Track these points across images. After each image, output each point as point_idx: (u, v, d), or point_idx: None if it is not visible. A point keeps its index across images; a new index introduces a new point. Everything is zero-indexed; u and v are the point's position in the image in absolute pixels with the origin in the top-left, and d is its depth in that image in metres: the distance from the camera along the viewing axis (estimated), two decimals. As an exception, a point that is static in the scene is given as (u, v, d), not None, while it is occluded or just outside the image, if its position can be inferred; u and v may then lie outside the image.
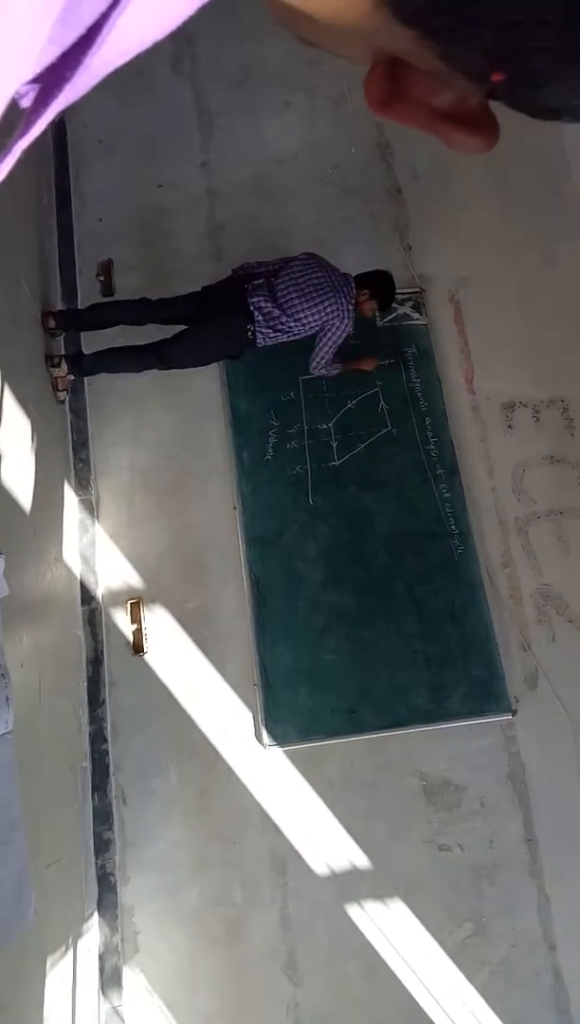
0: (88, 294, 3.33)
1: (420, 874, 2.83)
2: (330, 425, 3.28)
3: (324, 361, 2.97)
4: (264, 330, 2.88)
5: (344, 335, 2.93)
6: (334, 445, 3.27)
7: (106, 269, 3.37)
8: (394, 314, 3.43)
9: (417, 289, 3.48)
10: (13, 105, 0.25)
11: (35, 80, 0.25)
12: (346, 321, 2.89)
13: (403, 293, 3.45)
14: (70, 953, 2.35)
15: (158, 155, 3.55)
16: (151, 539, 3.10)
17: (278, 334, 2.90)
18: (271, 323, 2.87)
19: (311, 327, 2.89)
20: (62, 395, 3.05)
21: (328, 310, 2.85)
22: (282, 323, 2.87)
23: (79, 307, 3.23)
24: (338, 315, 2.86)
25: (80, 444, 3.14)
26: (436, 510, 3.20)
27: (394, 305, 3.41)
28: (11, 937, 0.96)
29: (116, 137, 3.55)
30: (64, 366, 2.95)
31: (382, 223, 3.58)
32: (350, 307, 2.89)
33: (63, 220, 3.39)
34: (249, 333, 2.88)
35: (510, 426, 3.35)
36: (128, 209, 3.46)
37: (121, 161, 3.52)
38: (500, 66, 0.26)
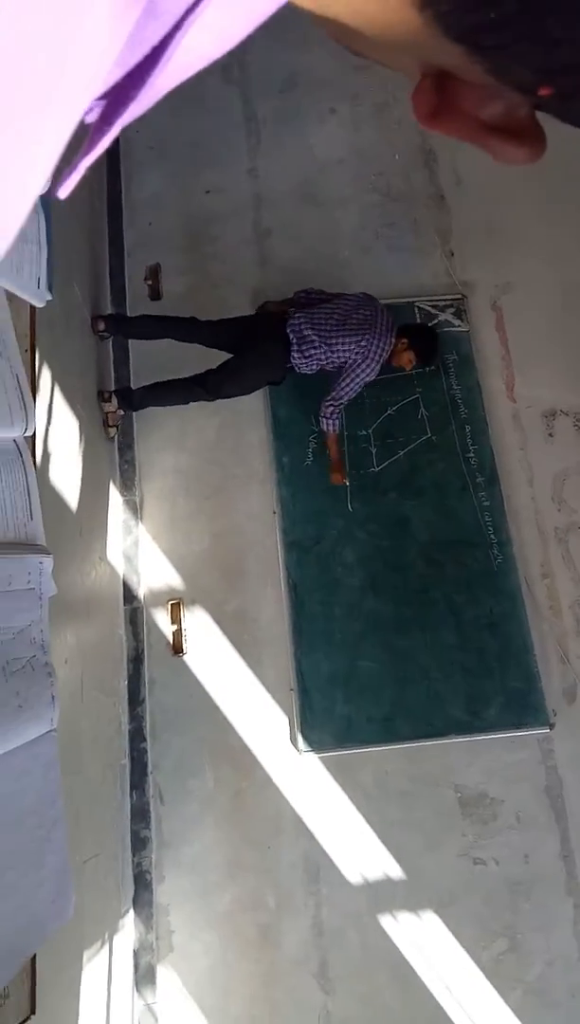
0: (136, 298, 3.38)
1: (454, 887, 2.80)
2: (370, 431, 3.28)
3: (342, 398, 2.92)
4: (295, 355, 2.89)
5: (367, 377, 2.91)
6: (373, 451, 3.27)
7: (154, 273, 3.42)
8: (435, 321, 3.42)
9: (459, 295, 3.47)
10: (79, 122, 0.26)
11: (101, 97, 0.25)
12: (374, 364, 2.88)
13: (444, 299, 3.45)
14: (106, 948, 2.37)
15: (207, 161, 3.60)
16: (192, 541, 3.13)
17: (309, 360, 2.90)
18: (303, 347, 2.88)
19: (341, 358, 2.88)
20: (112, 431, 3.10)
21: (361, 344, 2.84)
22: (315, 348, 2.87)
23: (128, 313, 3.28)
24: (368, 354, 2.85)
25: (126, 446, 3.19)
26: (475, 518, 3.17)
27: (435, 312, 3.42)
28: (48, 935, 0.98)
29: (166, 144, 3.60)
30: (114, 401, 3.00)
31: (425, 229, 3.58)
32: (383, 351, 2.88)
33: (114, 225, 3.46)
34: (287, 359, 2.91)
35: (551, 434, 3.31)
36: (176, 214, 3.51)
37: (171, 167, 3.58)
38: (548, 80, 0.26)
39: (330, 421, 2.95)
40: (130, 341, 3.27)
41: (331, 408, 2.93)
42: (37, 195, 0.25)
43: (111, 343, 3.26)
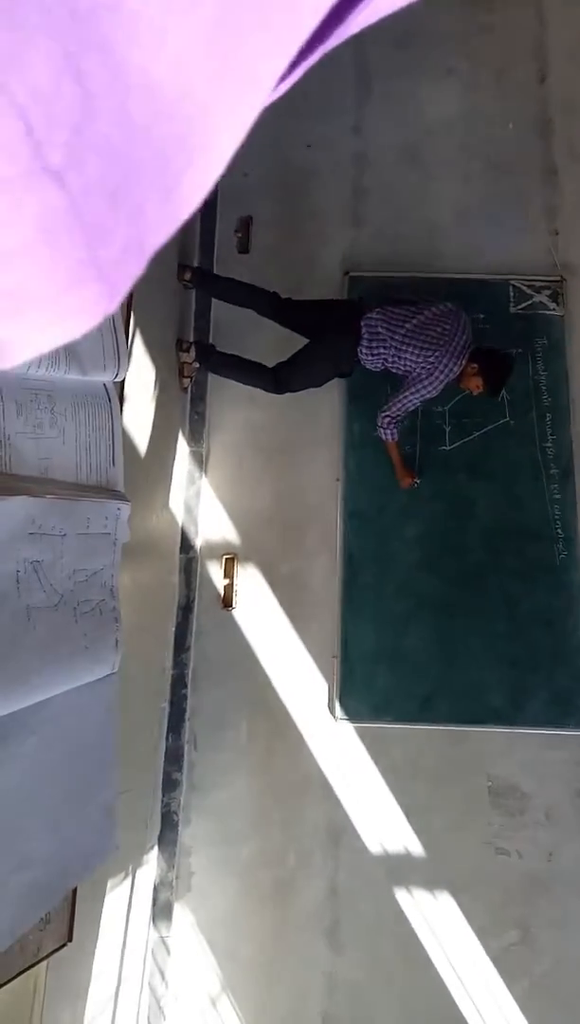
0: (224, 249, 3.35)
1: (473, 873, 2.81)
2: (446, 408, 3.20)
3: (398, 412, 2.81)
4: (363, 350, 2.81)
5: (429, 394, 2.77)
6: (447, 430, 3.20)
7: (245, 225, 3.37)
8: (529, 301, 3.29)
9: (557, 278, 3.32)
10: None
11: None
12: (438, 382, 2.74)
13: (542, 280, 3.31)
14: (128, 880, 2.47)
15: (311, 113, 3.48)
16: (254, 498, 3.14)
17: (375, 357, 2.81)
18: (373, 344, 2.78)
19: (406, 366, 2.77)
20: (186, 382, 3.09)
21: (430, 360, 2.71)
22: (384, 348, 2.77)
23: (214, 266, 3.26)
24: (434, 371, 2.71)
25: (198, 397, 3.19)
26: (544, 510, 3.09)
27: (530, 293, 3.29)
28: (93, 868, 1.02)
29: (271, 92, 3.51)
30: (193, 352, 2.99)
31: (531, 204, 3.42)
32: (451, 372, 2.73)
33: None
34: (356, 353, 2.83)
35: (636, 433, 3.18)
36: (274, 167, 3.43)
37: (273, 116, 3.42)
38: None
39: (386, 431, 2.85)
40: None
41: (387, 419, 2.82)
42: (234, 150, 0.24)
43: (193, 294, 3.25)
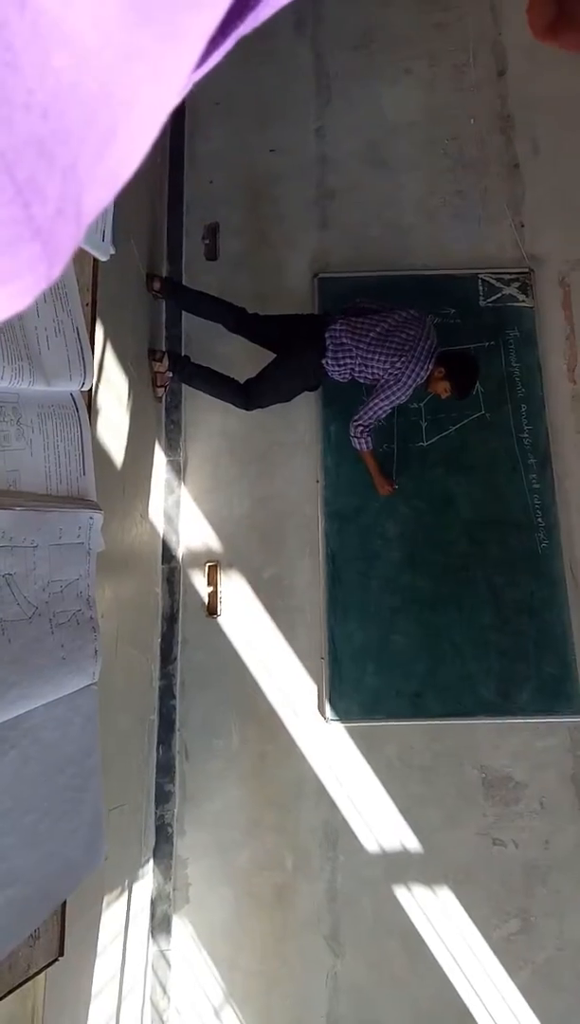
0: (192, 256, 3.35)
1: (471, 865, 2.81)
2: (421, 405, 3.21)
3: (370, 420, 2.80)
4: (329, 361, 2.80)
5: (399, 400, 2.77)
6: (424, 426, 3.21)
7: (212, 232, 3.38)
8: (499, 294, 3.32)
9: (526, 269, 3.35)
10: None
11: None
12: (406, 388, 2.74)
13: (510, 273, 3.34)
14: (125, 895, 2.45)
15: (273, 119, 3.50)
16: (233, 505, 3.13)
17: (341, 368, 2.81)
18: (338, 355, 2.78)
19: (373, 374, 2.77)
20: (160, 391, 3.08)
21: (397, 366, 2.71)
22: (350, 358, 2.77)
23: (183, 275, 3.26)
24: (401, 376, 2.71)
25: (173, 406, 3.18)
26: (524, 500, 3.11)
27: (500, 286, 3.32)
28: (80, 881, 1.01)
29: (233, 99, 3.52)
30: (166, 361, 2.99)
31: (496, 198, 3.45)
32: (418, 376, 2.73)
33: (174, 181, 3.41)
34: (322, 366, 2.83)
35: (610, 420, 3.21)
36: (239, 173, 3.44)
37: (236, 124, 3.50)
38: None
39: (360, 441, 2.84)
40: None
41: (360, 428, 2.82)
42: (169, 108, 0.23)
43: (164, 303, 3.25)
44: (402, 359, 2.72)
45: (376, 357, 2.74)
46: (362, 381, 2.87)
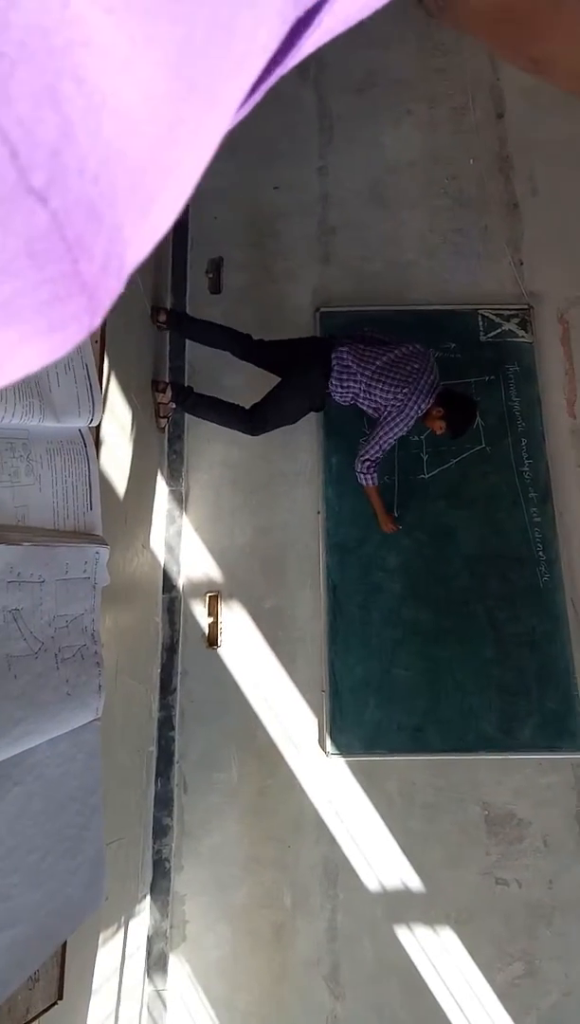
0: (196, 290, 3.40)
1: (474, 905, 2.76)
2: (422, 438, 3.24)
3: (377, 454, 2.83)
4: (334, 383, 2.84)
5: (401, 432, 2.82)
6: (425, 458, 3.23)
7: (216, 267, 3.43)
8: (499, 330, 3.36)
9: (525, 306, 3.40)
10: None
11: None
12: (409, 420, 2.78)
13: (510, 309, 3.39)
14: (121, 932, 2.40)
15: (277, 157, 3.58)
16: (235, 535, 3.14)
17: (345, 391, 2.84)
18: (343, 377, 2.82)
19: (375, 402, 2.82)
20: (163, 422, 3.11)
21: (398, 397, 2.76)
22: (354, 383, 2.81)
23: (187, 307, 3.31)
24: (405, 409, 2.76)
25: (175, 436, 3.20)
26: (524, 534, 3.12)
27: (499, 321, 3.36)
28: (81, 921, 0.99)
29: (237, 137, 3.56)
30: (169, 392, 3.02)
31: (495, 237, 3.52)
32: (419, 410, 2.78)
33: (179, 216, 3.46)
34: (327, 386, 2.87)
35: (610, 455, 3.23)
36: (243, 209, 3.51)
37: (240, 161, 3.57)
38: None
39: (367, 476, 2.88)
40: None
41: (367, 464, 2.85)
42: (205, 165, 0.25)
43: (168, 335, 3.29)
44: (405, 390, 2.76)
45: (380, 385, 2.78)
46: (363, 407, 2.90)
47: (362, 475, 2.87)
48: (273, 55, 0.26)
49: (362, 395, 2.84)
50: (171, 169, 0.22)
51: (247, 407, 2.99)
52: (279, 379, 2.97)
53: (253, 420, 2.98)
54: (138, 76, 0.19)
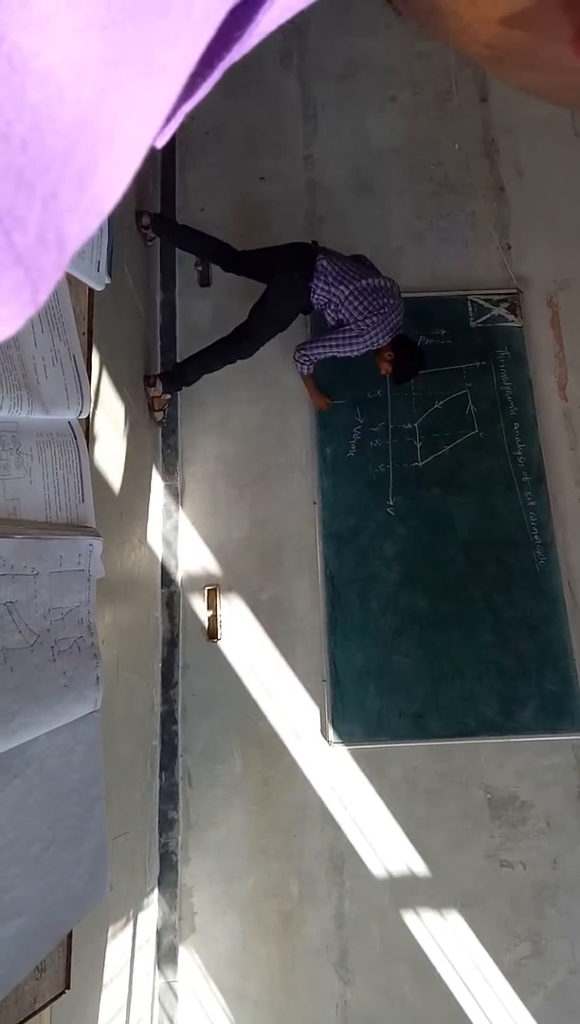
0: (186, 284, 3.39)
1: (479, 888, 2.78)
2: (415, 425, 3.24)
3: (315, 355, 2.93)
4: (316, 282, 2.85)
5: (348, 351, 2.88)
6: (418, 446, 3.23)
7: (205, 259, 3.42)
8: (488, 315, 3.36)
9: (514, 290, 3.40)
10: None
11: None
12: (362, 346, 2.85)
13: (499, 293, 3.38)
14: (130, 925, 2.41)
15: (262, 148, 3.57)
16: (231, 528, 3.14)
17: (320, 295, 2.86)
18: (321, 282, 2.84)
19: (343, 318, 2.86)
20: (159, 415, 3.11)
21: (367, 323, 2.81)
22: (332, 292, 2.83)
23: (177, 307, 3.32)
24: (365, 335, 2.82)
25: (169, 431, 3.20)
26: (520, 518, 3.12)
27: (489, 307, 3.36)
28: (85, 911, 1.00)
29: (222, 129, 3.59)
30: (160, 386, 3.01)
31: (482, 221, 3.51)
32: (376, 342, 2.85)
33: (167, 210, 3.46)
34: (308, 287, 2.86)
35: (603, 436, 3.24)
36: (230, 201, 3.50)
37: (226, 153, 3.56)
38: None
39: (301, 366, 3.00)
40: (177, 326, 3.29)
41: (302, 355, 2.96)
42: (152, 140, 0.24)
43: (158, 328, 3.28)
44: (373, 319, 2.82)
45: (354, 304, 2.83)
46: (329, 316, 2.93)
47: (297, 363, 2.99)
48: (232, 31, 0.25)
49: (334, 303, 2.86)
50: (108, 137, 0.22)
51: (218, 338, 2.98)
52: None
53: (243, 337, 2.94)
54: (62, 37, 0.18)
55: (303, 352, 2.95)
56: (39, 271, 0.21)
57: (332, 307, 2.88)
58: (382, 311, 2.82)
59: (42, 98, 0.19)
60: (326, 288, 2.85)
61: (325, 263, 2.86)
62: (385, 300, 2.85)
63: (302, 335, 3.20)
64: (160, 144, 0.27)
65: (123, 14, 0.19)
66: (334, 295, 2.85)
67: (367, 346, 2.86)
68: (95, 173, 0.22)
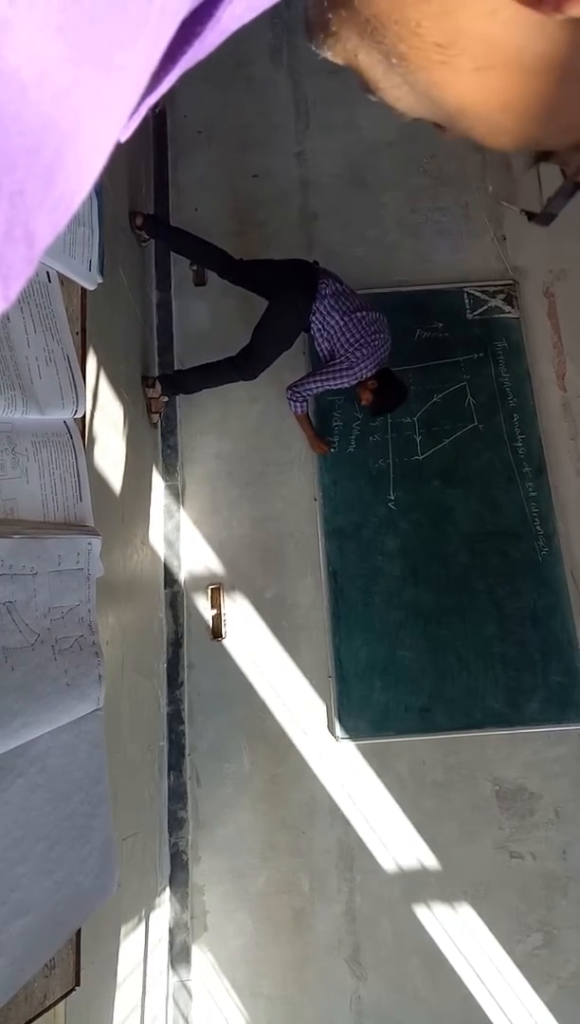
0: (181, 281, 3.39)
1: (489, 879, 2.78)
2: (414, 419, 3.24)
3: (307, 392, 2.91)
4: (318, 305, 2.82)
5: (338, 384, 2.86)
6: (418, 439, 3.23)
7: (199, 259, 3.41)
8: (485, 307, 3.36)
9: (510, 281, 3.39)
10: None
11: None
12: (352, 378, 2.83)
13: (495, 285, 3.38)
14: (142, 925, 2.42)
15: (254, 145, 3.57)
16: (233, 527, 3.14)
17: (317, 318, 2.83)
18: (328, 304, 2.81)
19: (333, 346, 2.84)
20: (155, 418, 3.11)
21: (358, 355, 2.80)
22: (332, 317, 2.81)
23: (173, 306, 3.31)
24: (355, 367, 2.80)
25: (169, 431, 3.20)
26: (521, 509, 3.12)
27: (485, 298, 3.35)
28: (94, 909, 1.00)
29: (214, 128, 3.59)
30: (158, 387, 3.01)
31: (476, 213, 3.50)
32: (363, 375, 2.83)
33: (160, 210, 3.46)
34: (311, 307, 2.84)
35: (602, 425, 3.23)
36: (223, 199, 3.50)
37: (218, 151, 3.56)
38: None
39: (296, 405, 2.96)
40: (174, 326, 3.29)
41: (294, 393, 2.92)
42: (117, 135, 0.24)
43: (155, 328, 3.28)
44: (363, 351, 2.80)
45: (348, 334, 2.81)
46: (319, 344, 2.90)
47: (290, 403, 2.95)
48: (195, 27, 0.25)
49: (328, 329, 2.84)
50: (73, 134, 0.22)
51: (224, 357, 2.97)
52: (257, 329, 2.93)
53: (246, 359, 2.93)
54: (20, 38, 0.19)
55: (295, 390, 2.91)
56: (8, 266, 0.22)
57: (325, 333, 2.86)
58: (372, 344, 2.81)
59: (5, 99, 0.19)
60: (324, 313, 2.83)
61: (326, 287, 2.84)
62: (377, 334, 2.84)
63: (302, 363, 3.19)
64: (124, 138, 0.28)
65: (81, 15, 0.19)
66: (330, 322, 2.83)
67: (357, 377, 2.84)
68: (62, 169, 0.22)
